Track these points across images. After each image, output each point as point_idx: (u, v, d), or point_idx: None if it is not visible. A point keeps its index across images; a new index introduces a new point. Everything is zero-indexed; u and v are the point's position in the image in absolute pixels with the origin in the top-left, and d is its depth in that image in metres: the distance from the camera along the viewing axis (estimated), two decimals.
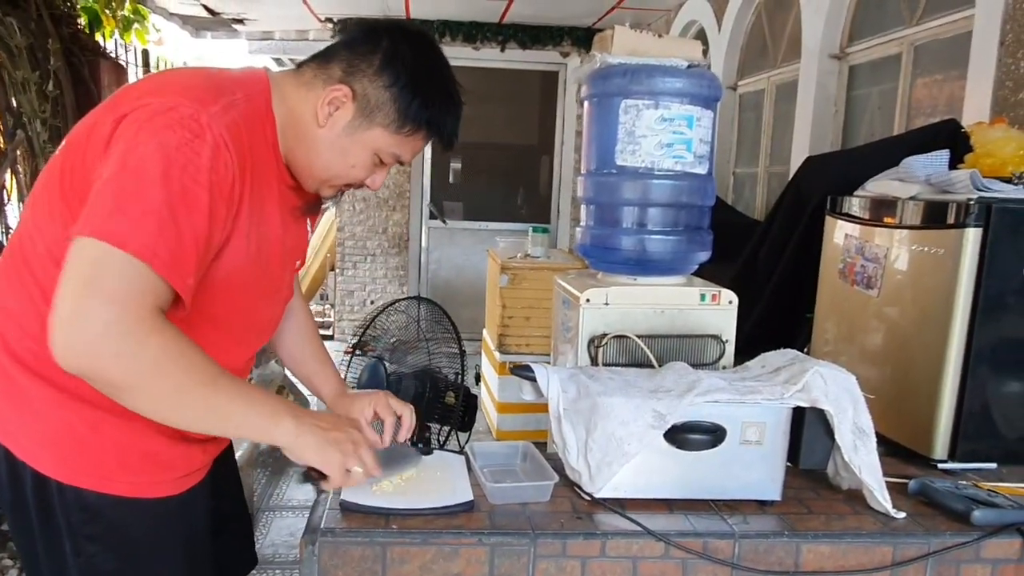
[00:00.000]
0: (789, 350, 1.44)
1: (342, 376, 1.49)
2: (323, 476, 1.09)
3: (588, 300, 1.51)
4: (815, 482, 1.41)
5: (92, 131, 1.00)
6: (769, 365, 1.41)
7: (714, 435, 1.26)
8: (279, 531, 2.93)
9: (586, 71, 1.57)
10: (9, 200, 2.98)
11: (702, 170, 1.54)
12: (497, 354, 4.03)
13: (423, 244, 6.67)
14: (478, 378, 4.33)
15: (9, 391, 1.04)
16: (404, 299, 2.07)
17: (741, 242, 2.76)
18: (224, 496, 1.31)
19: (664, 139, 1.47)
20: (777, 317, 2.28)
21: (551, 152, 6.77)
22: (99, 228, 0.88)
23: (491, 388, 4.28)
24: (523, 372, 1.33)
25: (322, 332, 6.60)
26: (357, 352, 2.22)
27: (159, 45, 5.31)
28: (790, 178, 2.46)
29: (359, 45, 1.09)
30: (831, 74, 3.33)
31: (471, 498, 1.24)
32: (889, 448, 1.59)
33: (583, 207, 1.67)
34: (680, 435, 1.25)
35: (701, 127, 1.50)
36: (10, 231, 2.97)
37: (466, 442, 2.13)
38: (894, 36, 2.96)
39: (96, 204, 0.90)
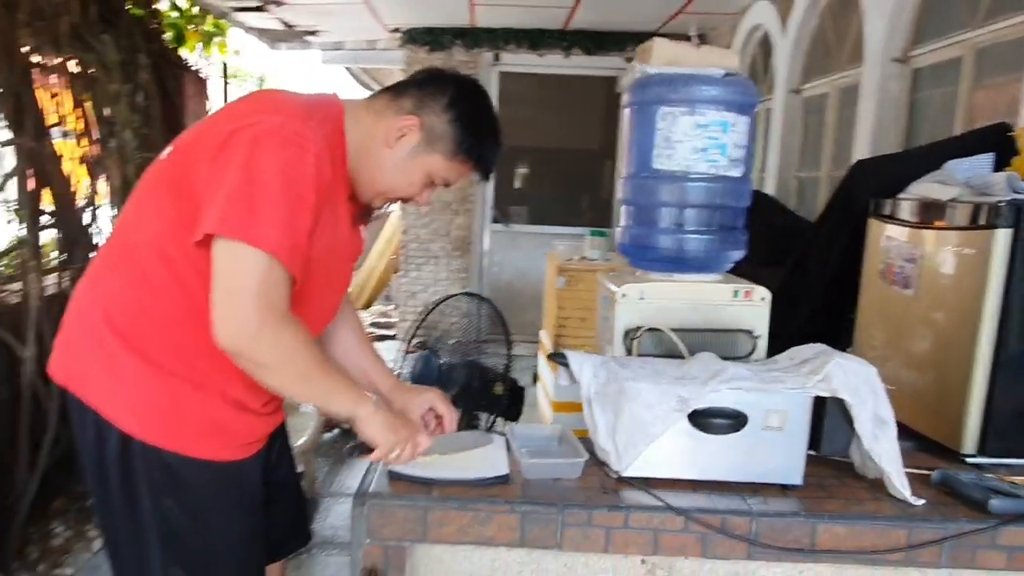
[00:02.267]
0: (818, 344, 1.50)
1: (398, 372, 1.66)
2: (369, 452, 1.29)
3: (624, 295, 1.61)
4: (841, 471, 1.46)
5: (201, 140, 1.20)
6: (796, 358, 1.48)
7: (736, 420, 1.33)
8: (338, 515, 3.11)
9: (626, 81, 1.67)
10: (101, 204, 3.26)
11: (737, 173, 1.61)
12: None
13: (485, 247, 6.82)
14: (535, 378, 4.44)
15: (105, 361, 1.21)
16: (456, 295, 2.20)
17: (793, 246, 2.79)
18: (277, 469, 1.46)
19: (699, 144, 1.55)
20: (825, 317, 2.31)
21: (614, 157, 6.83)
22: (240, 230, 1.08)
23: (547, 387, 4.38)
24: (558, 358, 1.44)
25: (386, 332, 6.79)
26: (411, 350, 2.36)
27: (237, 55, 5.62)
28: (840, 182, 2.49)
29: (428, 86, 1.30)
30: (894, 77, 3.30)
31: (507, 472, 1.36)
32: (921, 443, 1.62)
33: (623, 208, 1.76)
34: (703, 419, 1.33)
35: (736, 132, 1.57)
36: (101, 232, 3.24)
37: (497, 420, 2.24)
38: (957, 39, 2.93)
39: (231, 208, 1.09)
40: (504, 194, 6.86)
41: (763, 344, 1.64)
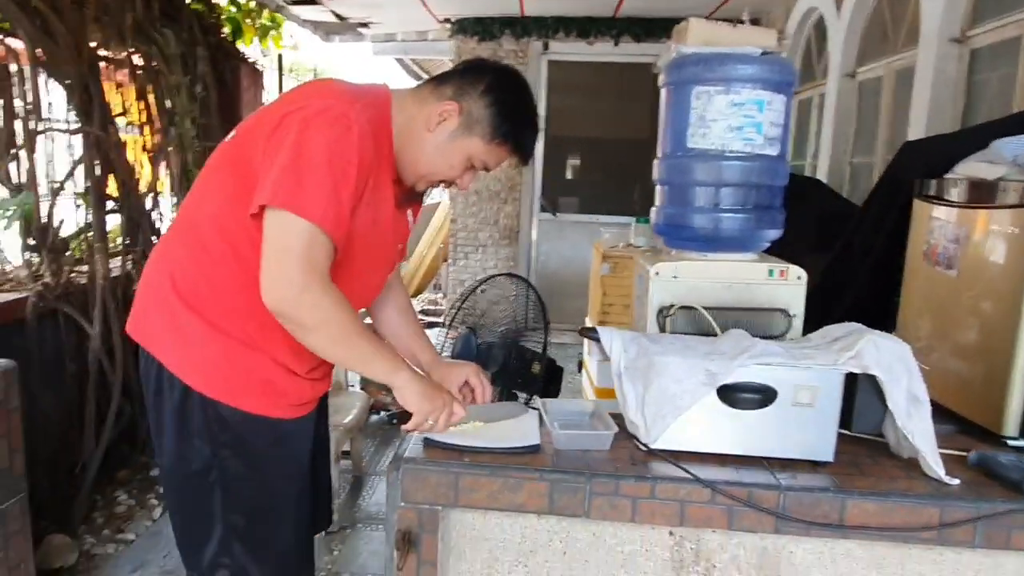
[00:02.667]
0: (852, 323, 1.49)
1: (441, 352, 1.75)
2: (405, 421, 1.36)
3: (658, 273, 1.62)
4: (875, 451, 1.46)
5: (259, 124, 1.30)
6: (829, 336, 1.47)
7: (764, 395, 1.34)
8: (383, 493, 3.18)
9: (662, 61, 1.68)
10: (162, 191, 3.41)
11: (773, 152, 1.61)
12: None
13: (533, 237, 6.86)
14: (580, 366, 4.47)
15: (170, 320, 1.33)
16: (499, 275, 2.24)
17: (842, 231, 2.75)
18: (322, 442, 1.54)
19: (734, 122, 1.56)
20: (870, 303, 2.28)
21: None
22: (288, 201, 1.17)
23: (591, 374, 4.41)
24: (590, 334, 1.47)
25: (434, 319, 6.92)
26: (452, 329, 2.42)
27: (294, 50, 5.78)
28: (887, 165, 2.44)
29: (469, 75, 1.37)
30: (951, 58, 3.21)
31: (538, 442, 1.40)
32: (962, 425, 1.60)
33: (658, 189, 1.78)
34: (732, 394, 1.34)
35: (772, 110, 1.57)
36: (163, 217, 3.39)
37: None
38: (1016, 18, 2.83)
39: (282, 181, 1.18)
40: (554, 184, 6.87)
41: (798, 324, 1.64)
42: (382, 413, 4.03)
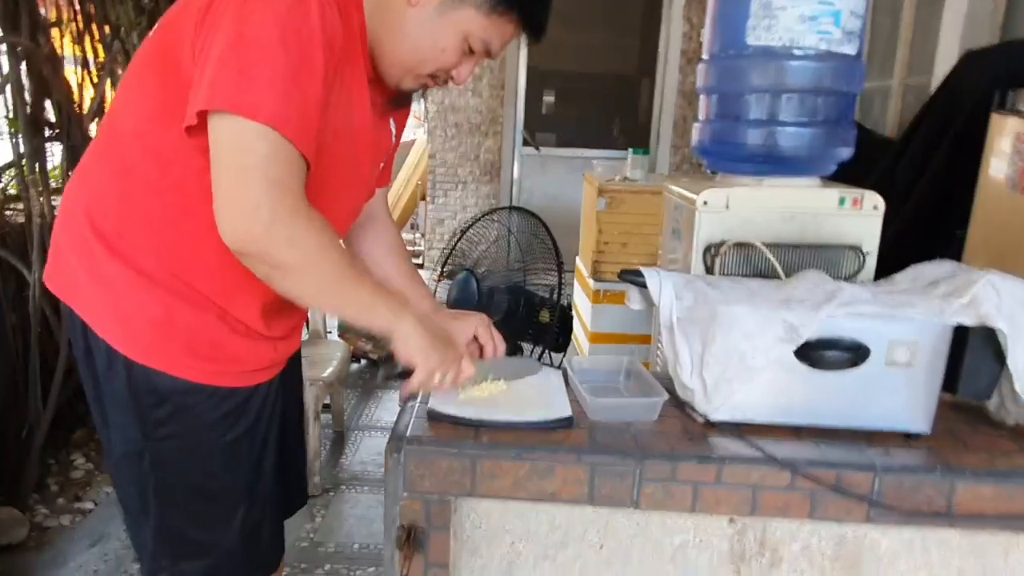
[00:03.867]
0: (947, 261, 1.22)
1: (436, 275, 1.46)
2: (407, 378, 1.09)
3: (705, 203, 1.33)
4: (971, 415, 1.21)
5: (183, 8, 0.98)
6: (922, 278, 1.20)
7: (855, 353, 1.08)
8: (368, 450, 2.94)
9: None
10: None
11: (851, 50, 1.30)
12: (591, 282, 3.87)
13: (515, 172, 6.50)
14: (569, 307, 4.21)
15: (91, 267, 1.03)
16: (499, 209, 1.93)
17: (869, 161, 2.46)
18: (289, 405, 1.25)
19: (807, 10, 1.24)
20: (916, 236, 2.01)
21: (652, 75, 6.39)
22: (230, 99, 0.88)
23: (583, 318, 4.15)
24: (632, 277, 1.18)
25: (414, 261, 6.68)
26: (442, 274, 2.11)
27: None
28: (943, 79, 2.14)
29: None
30: None
31: (570, 414, 1.12)
32: None
33: (702, 99, 1.46)
34: (815, 352, 1.08)
35: None
36: None
37: (561, 362, 2.01)
38: None
39: (221, 76, 0.88)
40: (533, 119, 6.49)
41: (872, 263, 1.37)
42: (363, 361, 3.74)
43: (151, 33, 1.06)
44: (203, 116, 0.91)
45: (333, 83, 0.97)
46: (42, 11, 2.64)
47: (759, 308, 1.08)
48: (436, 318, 1.27)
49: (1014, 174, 1.52)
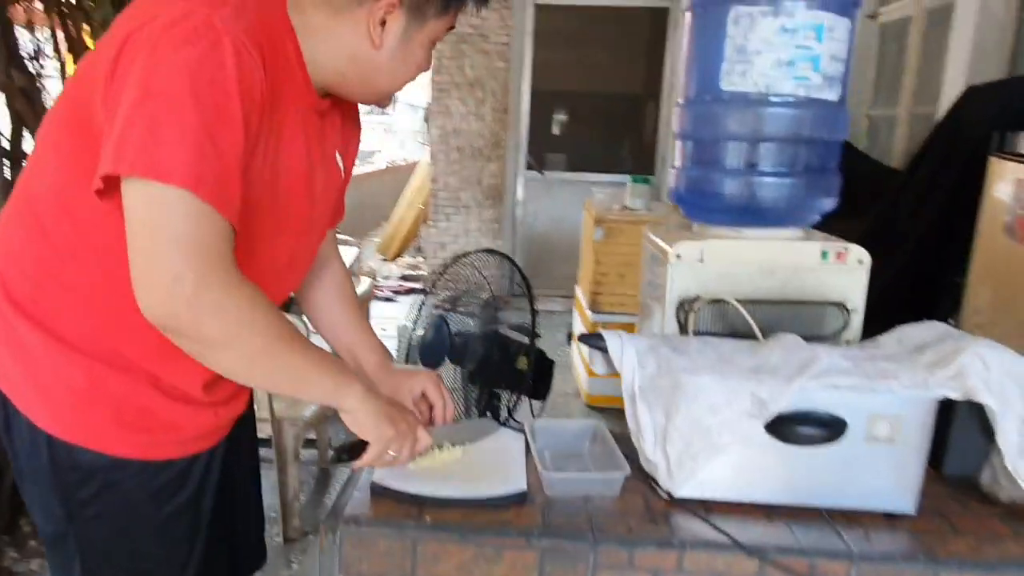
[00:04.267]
0: (936, 323, 1.14)
1: (411, 322, 1.40)
2: (357, 455, 1.01)
3: (679, 256, 1.26)
4: (961, 491, 1.12)
5: (96, 56, 0.90)
6: (908, 341, 1.12)
7: (831, 429, 0.99)
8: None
9: None
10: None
11: (832, 96, 1.23)
12: (589, 313, 3.79)
13: (518, 196, 6.45)
14: (569, 337, 4.11)
15: (8, 337, 0.95)
16: (475, 252, 1.86)
17: (873, 194, 2.38)
18: (236, 465, 1.17)
19: (784, 55, 1.17)
20: (915, 281, 1.92)
21: (658, 98, 6.34)
22: (138, 162, 0.80)
23: (582, 350, 4.07)
24: (593, 341, 1.11)
25: (414, 285, 6.55)
26: (428, 295, 2.03)
27: None
28: (944, 114, 2.06)
29: None
30: None
31: (524, 488, 1.04)
32: None
33: (678, 144, 1.39)
34: (787, 426, 0.99)
35: (834, 40, 1.19)
36: None
37: (541, 410, 1.92)
38: None
39: (127, 136, 0.81)
40: (540, 141, 6.44)
41: (858, 321, 1.28)
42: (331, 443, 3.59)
43: (66, 84, 0.99)
44: (111, 180, 0.83)
45: (257, 131, 0.89)
46: (24, 41, 2.61)
47: (726, 379, 1.00)
48: (382, 374, 1.20)
49: (1012, 222, 1.44)
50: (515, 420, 1.38)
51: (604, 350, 1.09)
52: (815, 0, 1.18)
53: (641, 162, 6.39)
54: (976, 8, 2.83)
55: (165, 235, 0.81)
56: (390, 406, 1.01)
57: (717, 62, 1.23)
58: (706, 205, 1.34)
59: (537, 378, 1.84)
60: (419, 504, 1.01)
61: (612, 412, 3.69)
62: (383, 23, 0.95)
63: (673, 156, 1.39)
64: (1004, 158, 1.51)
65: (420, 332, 1.85)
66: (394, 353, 3.65)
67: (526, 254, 6.49)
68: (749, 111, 1.23)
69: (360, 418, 0.97)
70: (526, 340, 1.91)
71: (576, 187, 6.29)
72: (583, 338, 1.13)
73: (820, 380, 0.98)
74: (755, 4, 1.18)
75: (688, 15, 1.32)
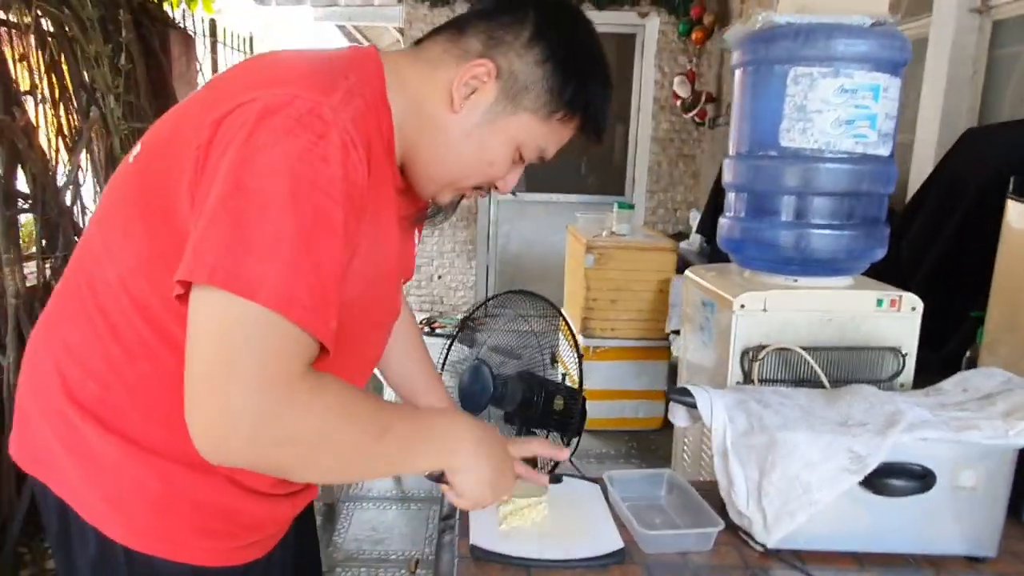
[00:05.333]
0: (996, 370, 1.20)
1: (439, 362, 1.34)
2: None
3: (743, 305, 1.29)
4: None
5: (178, 132, 0.81)
6: (974, 389, 1.17)
7: (922, 480, 1.03)
8: (361, 525, 2.82)
9: (740, 33, 1.32)
10: (84, 181, 2.89)
11: (885, 151, 1.28)
12: (580, 337, 3.82)
13: (492, 217, 6.48)
14: (553, 359, 4.14)
15: (71, 442, 0.86)
16: (505, 293, 1.87)
17: None
18: (304, 553, 1.14)
19: (844, 115, 1.22)
20: (926, 316, 2.00)
21: (627, 120, 6.45)
22: (219, 272, 0.69)
23: (570, 372, 4.10)
24: (681, 397, 1.12)
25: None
26: (458, 339, 2.02)
27: (214, 14, 4.98)
28: (944, 155, 2.15)
29: (500, 14, 0.89)
30: (970, 31, 2.95)
31: (622, 545, 1.05)
32: None
33: (731, 195, 1.43)
34: (880, 480, 1.03)
35: (888, 99, 1.24)
36: (86, 211, 2.87)
37: (575, 447, 1.93)
38: None
39: (210, 238, 0.71)
40: None
41: (911, 364, 1.33)
42: None
43: (132, 159, 0.88)
44: (187, 285, 0.72)
45: (357, 232, 0.80)
46: (16, 76, 2.53)
47: (820, 435, 1.03)
48: None
49: None
50: (577, 469, 1.39)
51: (693, 405, 1.11)
52: (871, 62, 1.24)
53: (612, 184, 6.49)
54: (948, 44, 2.98)
55: (233, 361, 0.69)
56: (496, 467, 0.93)
57: (776, 119, 1.27)
58: (762, 255, 1.39)
59: (572, 416, 1.86)
60: (526, 568, 1.01)
61: (600, 434, 3.73)
62: (473, 88, 0.87)
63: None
64: (1020, 201, 1.59)
65: (447, 375, 1.85)
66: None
67: (500, 275, 6.51)
68: (809, 167, 1.28)
69: (463, 481, 0.90)
70: (558, 379, 1.92)
71: (549, 208, 6.37)
72: (670, 392, 1.15)
73: (912, 434, 1.02)
74: (816, 64, 1.23)
75: (740, 72, 1.37)
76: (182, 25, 3.88)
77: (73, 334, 0.87)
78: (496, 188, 0.97)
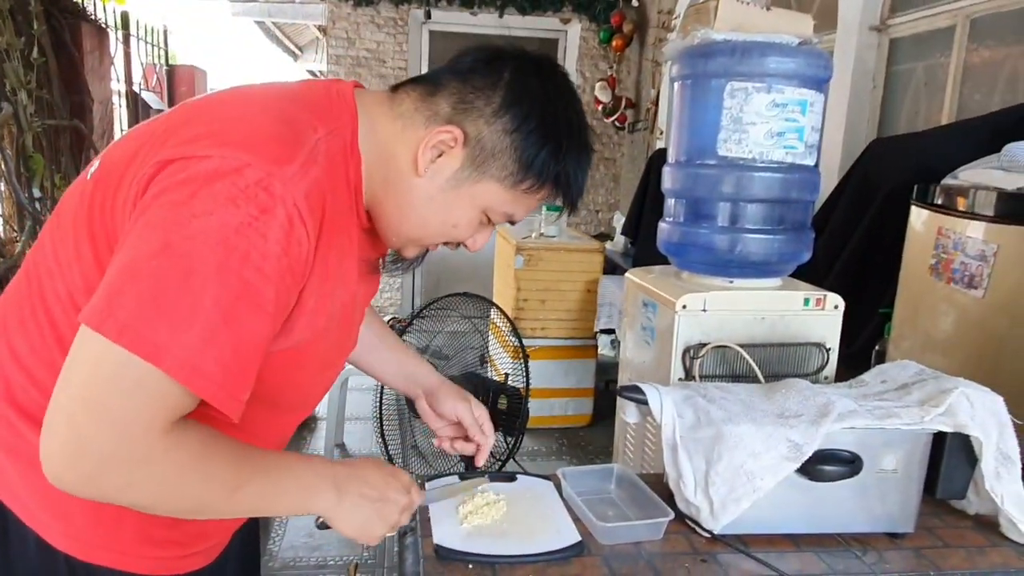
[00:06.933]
0: (910, 362, 1.31)
1: None
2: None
3: (684, 306, 1.36)
4: (937, 507, 1.29)
5: (131, 163, 0.79)
6: (891, 380, 1.28)
7: (851, 465, 1.13)
8: (296, 531, 2.78)
9: (679, 47, 1.40)
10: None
11: (811, 161, 1.38)
12: (511, 338, 3.88)
13: None
14: (482, 360, 4.19)
15: (15, 448, 0.85)
16: (450, 296, 1.90)
17: None
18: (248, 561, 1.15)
19: (775, 127, 1.31)
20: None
21: None
22: (127, 332, 0.67)
23: (497, 367, 4.15)
24: (632, 394, 1.18)
25: None
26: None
27: (124, 5, 4.74)
28: (853, 163, 2.32)
29: (475, 76, 0.87)
30: (870, 48, 3.17)
31: (579, 539, 1.10)
32: None
33: (671, 201, 1.51)
34: (814, 466, 1.11)
35: (814, 113, 1.34)
36: None
37: (514, 445, 1.99)
38: (947, 7, 2.81)
39: (127, 292, 0.69)
40: None
41: (834, 358, 1.44)
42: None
43: (90, 175, 0.86)
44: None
45: (304, 289, 0.80)
46: None
47: (762, 427, 1.11)
48: (444, 391, 1.20)
49: (937, 264, 1.66)
50: (520, 466, 1.42)
51: (644, 402, 1.17)
52: (799, 78, 1.33)
53: None
54: (851, 60, 3.20)
55: (107, 404, 0.68)
56: (374, 499, 0.92)
57: (714, 130, 1.35)
58: (700, 258, 1.47)
59: (514, 415, 1.91)
60: (491, 565, 1.04)
61: (532, 431, 3.79)
62: (439, 152, 0.86)
63: (664, 211, 1.50)
64: (924, 208, 1.74)
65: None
66: (347, 406, 3.54)
67: (427, 276, 6.50)
68: (743, 175, 1.36)
69: (341, 522, 0.90)
70: (497, 379, 1.97)
71: None
72: (621, 391, 1.20)
73: (841, 423, 1.11)
74: (751, 80, 1.31)
75: (679, 85, 1.44)
76: (93, 17, 3.71)
77: (22, 342, 0.86)
78: (465, 246, 0.95)
